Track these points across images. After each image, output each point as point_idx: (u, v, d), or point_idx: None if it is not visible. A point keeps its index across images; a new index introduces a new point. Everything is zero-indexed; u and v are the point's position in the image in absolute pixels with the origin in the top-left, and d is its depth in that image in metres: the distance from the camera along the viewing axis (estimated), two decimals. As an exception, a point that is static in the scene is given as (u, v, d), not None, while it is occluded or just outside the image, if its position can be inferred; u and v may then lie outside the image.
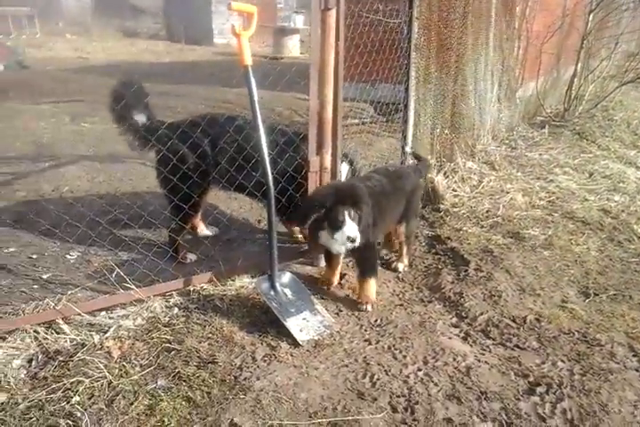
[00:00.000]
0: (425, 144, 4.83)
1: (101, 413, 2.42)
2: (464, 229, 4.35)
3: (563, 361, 2.89)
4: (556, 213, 4.76)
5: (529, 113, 8.05)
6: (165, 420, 2.39)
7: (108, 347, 2.88)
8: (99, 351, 2.82)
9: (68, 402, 2.47)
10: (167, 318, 3.10)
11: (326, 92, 3.37)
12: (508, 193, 4.99)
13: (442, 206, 4.70)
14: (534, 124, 7.75)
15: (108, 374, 2.63)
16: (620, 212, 4.81)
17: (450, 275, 3.73)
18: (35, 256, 3.87)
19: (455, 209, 4.68)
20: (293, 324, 2.95)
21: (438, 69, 4.74)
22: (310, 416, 2.43)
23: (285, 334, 2.94)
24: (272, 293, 3.10)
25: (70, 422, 2.36)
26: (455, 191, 4.93)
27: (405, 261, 3.78)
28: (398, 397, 2.58)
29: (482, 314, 3.27)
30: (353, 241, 2.97)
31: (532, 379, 2.75)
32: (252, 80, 2.94)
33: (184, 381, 2.62)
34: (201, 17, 24.44)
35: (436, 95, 4.83)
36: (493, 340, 3.07)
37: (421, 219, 4.62)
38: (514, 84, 7.12)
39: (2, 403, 2.45)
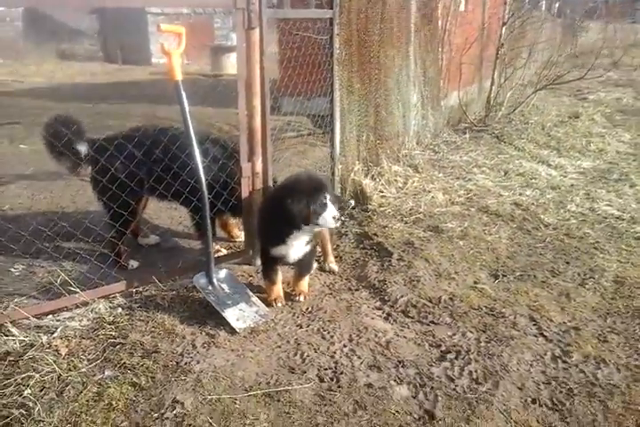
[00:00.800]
0: (352, 150, 5.21)
1: (52, 402, 2.63)
2: (389, 225, 4.73)
3: (471, 332, 3.28)
4: (472, 208, 5.21)
5: (454, 120, 8.60)
6: (113, 403, 2.63)
7: (56, 346, 3.08)
8: (47, 350, 3.02)
9: (20, 395, 2.67)
10: (112, 318, 3.32)
11: (254, 104, 3.69)
12: (429, 192, 5.42)
13: (369, 207, 5.08)
14: (458, 130, 8.29)
15: (57, 368, 2.84)
16: (530, 204, 5.31)
17: (375, 266, 4.09)
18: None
19: (382, 208, 5.07)
20: (231, 314, 3.23)
21: (361, 82, 5.14)
22: (246, 390, 2.71)
23: (223, 324, 3.21)
24: (210, 287, 3.37)
25: (23, 412, 2.56)
26: (382, 193, 5.32)
27: (332, 259, 4.10)
28: (325, 369, 2.90)
29: (402, 297, 3.64)
30: (339, 220, 3.29)
31: (443, 348, 3.12)
32: (183, 94, 3.23)
33: (129, 369, 2.86)
34: (137, 37, 24.54)
35: (360, 105, 5.23)
36: (412, 318, 3.43)
37: (351, 218, 4.98)
38: (437, 93, 7.64)
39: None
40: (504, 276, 4.00)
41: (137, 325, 3.23)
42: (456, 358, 3.04)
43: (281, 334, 3.21)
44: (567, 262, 4.23)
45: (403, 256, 4.17)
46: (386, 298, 3.65)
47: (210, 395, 2.66)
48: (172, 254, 4.33)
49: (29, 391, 2.69)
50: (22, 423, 2.49)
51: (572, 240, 4.62)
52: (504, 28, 7.95)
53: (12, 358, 2.94)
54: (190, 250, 4.44)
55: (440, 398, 2.72)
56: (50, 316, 3.33)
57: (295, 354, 3.01)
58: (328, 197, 3.24)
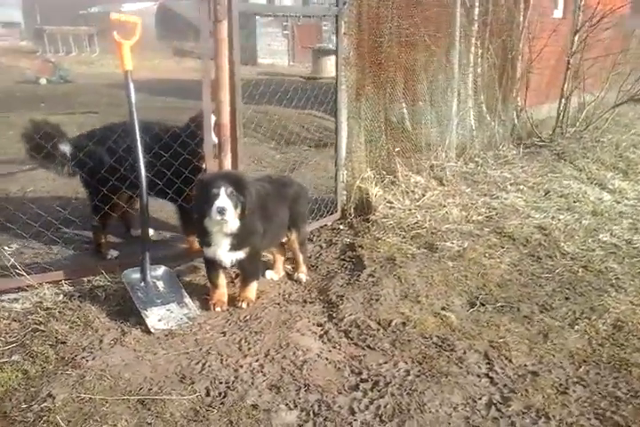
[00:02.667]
0: (361, 156, 4.94)
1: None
2: (383, 238, 4.41)
3: (405, 362, 2.93)
4: (487, 228, 4.75)
5: (522, 133, 8.00)
6: (-4, 388, 2.61)
7: (-17, 324, 3.13)
8: (-28, 328, 3.07)
9: None
10: (50, 304, 3.33)
11: (221, 98, 3.57)
12: (444, 207, 5.01)
13: (372, 217, 4.78)
14: (523, 144, 7.67)
15: (-38, 345, 2.88)
16: (554, 229, 4.75)
17: (342, 279, 3.81)
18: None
19: (384, 220, 4.75)
20: (154, 313, 3.13)
21: (374, 85, 4.87)
22: (123, 393, 2.58)
23: (144, 323, 3.11)
24: (142, 284, 3.29)
25: None
26: (391, 203, 4.99)
27: (304, 269, 3.87)
28: (220, 383, 2.70)
29: (350, 315, 3.34)
30: (223, 213, 2.99)
31: (364, 376, 2.81)
32: (131, 84, 3.19)
33: (31, 357, 2.84)
34: (246, 38, 25.44)
35: (372, 110, 4.95)
36: (350, 339, 3.14)
37: (349, 228, 4.72)
38: (495, 104, 7.13)
39: None
40: (482, 305, 3.57)
41: (65, 313, 3.21)
42: (371, 389, 2.72)
43: (198, 340, 3.05)
44: (567, 298, 3.71)
45: (375, 272, 3.86)
46: (334, 315, 3.38)
47: (85, 393, 2.56)
48: (156, 247, 4.30)
49: None
50: None
51: (588, 274, 4.06)
52: (576, 37, 7.23)
53: None
54: (175, 244, 4.40)
55: (326, 431, 2.43)
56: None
57: (197, 363, 2.84)
58: (224, 189, 3.02)
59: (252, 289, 3.45)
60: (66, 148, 3.91)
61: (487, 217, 4.98)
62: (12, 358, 2.85)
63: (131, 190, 4.03)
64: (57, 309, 3.27)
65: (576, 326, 3.37)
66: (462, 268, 4.02)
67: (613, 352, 3.12)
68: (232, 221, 3.09)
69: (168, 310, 3.19)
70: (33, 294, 3.43)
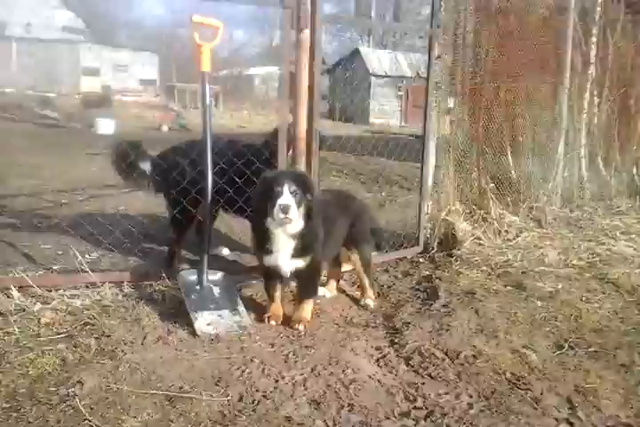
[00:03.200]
0: (449, 187, 4.66)
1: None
2: (465, 273, 4.05)
3: (470, 396, 2.53)
4: (588, 273, 4.23)
5: (638, 188, 7.33)
6: (31, 371, 2.54)
7: (43, 315, 3.14)
8: (31, 317, 3.09)
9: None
10: (108, 302, 3.29)
11: (299, 111, 3.52)
12: (540, 248, 4.56)
13: (456, 252, 4.42)
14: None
15: (17, 331, 2.87)
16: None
17: (413, 307, 3.49)
18: (60, 252, 4.37)
19: (469, 256, 4.38)
20: (204, 317, 2.98)
21: (470, 113, 4.65)
22: (152, 388, 2.41)
23: (192, 325, 2.97)
24: (197, 287, 3.17)
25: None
26: (480, 240, 4.62)
27: (371, 294, 3.59)
28: (257, 391, 2.46)
29: (415, 342, 2.99)
30: (286, 211, 2.76)
31: (418, 404, 2.45)
32: (207, 85, 3.21)
33: (74, 347, 2.77)
34: (360, 97, 26.19)
35: (465, 141, 4.71)
36: (410, 366, 2.78)
37: (430, 262, 4.40)
38: (607, 151, 6.63)
39: None
40: (571, 348, 3.08)
41: (119, 311, 3.16)
42: (425, 418, 2.35)
43: (244, 347, 2.84)
44: (678, 350, 3.13)
45: (450, 303, 3.50)
46: (396, 340, 3.04)
47: (114, 384, 2.42)
48: (227, 265, 4.23)
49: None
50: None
51: None
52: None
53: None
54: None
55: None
56: (61, 291, 3.42)
57: (237, 369, 2.62)
58: (288, 187, 2.82)
59: (309, 308, 3.20)
60: (145, 165, 4.01)
61: (589, 262, 4.45)
62: (58, 346, 2.80)
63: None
64: (112, 306, 3.22)
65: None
66: (552, 309, 3.54)
67: None
68: (295, 222, 2.89)
69: (219, 315, 3.03)
70: (94, 292, 3.41)
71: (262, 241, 3.03)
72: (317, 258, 3.12)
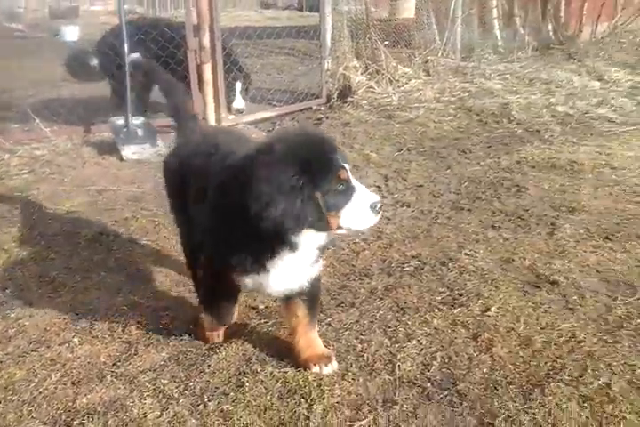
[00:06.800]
0: (345, 46, 5.52)
1: None
2: (351, 112, 5.04)
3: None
4: (453, 104, 5.22)
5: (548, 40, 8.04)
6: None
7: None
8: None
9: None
10: (61, 149, 4.31)
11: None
12: (421, 90, 5.51)
13: (349, 99, 5.39)
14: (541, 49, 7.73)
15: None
16: (517, 104, 5.12)
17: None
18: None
19: (360, 101, 5.34)
20: (130, 149, 4.02)
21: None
22: (86, 187, 3.51)
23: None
24: (124, 129, 4.17)
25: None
26: (372, 88, 5.56)
27: None
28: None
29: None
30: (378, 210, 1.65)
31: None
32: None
33: (35, 174, 3.82)
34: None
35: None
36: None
37: (328, 108, 5.37)
38: (510, 10, 7.34)
39: None
40: (408, 150, 4.16)
41: (69, 154, 4.19)
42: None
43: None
44: (489, 146, 4.26)
45: (324, 130, 4.52)
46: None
47: (61, 187, 3.51)
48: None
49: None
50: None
51: (525, 132, 4.56)
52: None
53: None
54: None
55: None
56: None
57: (153, 176, 3.70)
58: (347, 167, 1.65)
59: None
60: (94, 61, 4.80)
61: (459, 98, 5.42)
62: (23, 176, 3.85)
63: None
64: (63, 151, 4.23)
65: (482, 162, 3.88)
66: (407, 129, 4.58)
67: (503, 177, 3.62)
68: None
69: (142, 148, 4.06)
70: (51, 143, 4.39)
71: (253, 255, 1.70)
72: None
